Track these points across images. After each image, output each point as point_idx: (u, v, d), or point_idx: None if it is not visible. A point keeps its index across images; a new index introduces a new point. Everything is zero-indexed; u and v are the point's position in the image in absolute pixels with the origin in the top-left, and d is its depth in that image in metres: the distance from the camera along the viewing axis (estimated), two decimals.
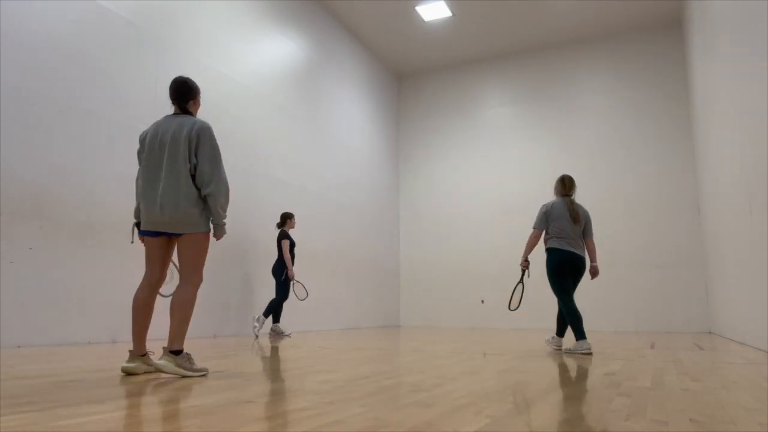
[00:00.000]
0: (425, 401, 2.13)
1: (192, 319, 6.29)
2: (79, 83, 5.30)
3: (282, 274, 6.98)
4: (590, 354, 4.42)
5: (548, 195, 10.49)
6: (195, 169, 3.04)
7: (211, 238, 3.21)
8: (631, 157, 10.08)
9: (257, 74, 7.84)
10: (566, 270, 4.70)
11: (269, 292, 7.67)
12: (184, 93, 3.30)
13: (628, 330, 9.47)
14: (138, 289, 3.07)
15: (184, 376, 2.84)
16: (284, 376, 2.93)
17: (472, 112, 11.65)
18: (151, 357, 3.05)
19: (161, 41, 6.27)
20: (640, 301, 9.56)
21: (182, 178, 3.00)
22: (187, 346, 4.95)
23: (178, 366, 2.84)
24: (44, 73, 4.99)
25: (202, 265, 3.09)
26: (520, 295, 5.17)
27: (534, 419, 1.80)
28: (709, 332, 8.77)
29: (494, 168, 11.23)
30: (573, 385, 2.63)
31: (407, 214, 11.96)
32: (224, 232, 3.15)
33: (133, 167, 5.76)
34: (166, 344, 3.01)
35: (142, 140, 3.16)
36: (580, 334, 4.53)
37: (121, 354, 4.12)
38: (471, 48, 11.20)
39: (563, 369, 3.37)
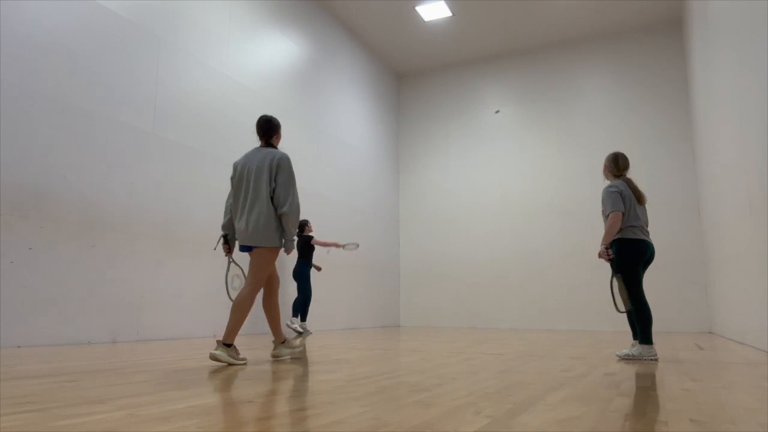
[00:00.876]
0: (425, 401, 2.13)
1: (192, 319, 6.29)
2: (79, 83, 5.30)
3: (305, 275, 7.55)
4: (656, 360, 3.93)
5: (548, 194, 10.50)
6: (273, 192, 3.62)
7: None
8: (631, 157, 10.07)
9: (257, 74, 7.84)
10: (643, 259, 4.08)
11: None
12: (269, 130, 3.84)
13: (628, 330, 9.46)
14: (242, 292, 3.62)
15: (231, 364, 3.41)
16: (284, 376, 2.93)
17: (472, 112, 11.65)
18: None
19: (161, 41, 6.27)
20: None
21: (263, 200, 3.60)
22: (187, 346, 4.95)
23: (229, 356, 3.42)
24: (44, 73, 4.99)
25: (265, 274, 3.63)
26: (621, 290, 4.11)
27: (534, 419, 1.80)
28: (709, 332, 8.76)
29: (494, 168, 11.23)
30: (573, 385, 2.63)
31: (407, 214, 11.96)
32: (293, 248, 3.73)
33: (133, 167, 5.77)
34: (221, 338, 3.55)
35: (235, 167, 3.78)
36: (650, 338, 3.97)
37: (121, 354, 4.12)
38: (471, 48, 11.20)
39: (563, 369, 3.37)
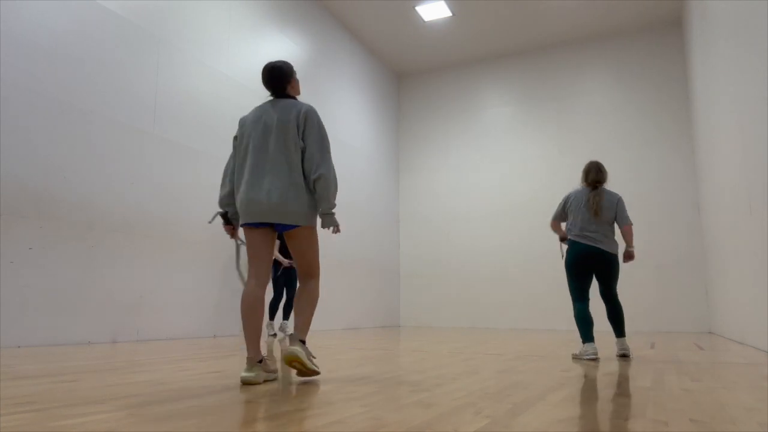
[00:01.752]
0: (425, 401, 2.12)
1: (192, 319, 6.30)
2: (79, 83, 5.30)
3: (292, 272, 6.88)
4: (597, 360, 4.09)
5: (548, 195, 10.50)
6: (303, 153, 2.83)
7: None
8: (631, 157, 10.08)
9: (257, 74, 7.84)
10: (583, 266, 4.31)
11: (268, 292, 7.68)
12: (280, 78, 2.99)
13: (628, 330, 9.47)
14: (246, 289, 2.77)
15: (307, 367, 2.72)
16: (284, 376, 2.93)
17: (472, 112, 11.65)
18: (267, 362, 2.81)
19: (161, 41, 6.27)
20: (640, 301, 9.55)
21: (293, 164, 2.79)
22: (187, 346, 4.95)
23: (307, 354, 2.77)
24: (44, 73, 4.99)
25: (318, 256, 2.95)
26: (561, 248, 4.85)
27: (534, 419, 1.80)
28: (709, 332, 8.76)
29: (494, 168, 11.23)
30: (573, 385, 2.63)
31: (407, 214, 11.95)
32: (335, 223, 2.85)
33: (133, 167, 5.76)
34: (293, 333, 2.84)
35: (242, 124, 2.95)
36: (589, 337, 4.18)
37: (121, 354, 4.12)
38: (471, 48, 11.20)
39: (563, 369, 3.37)
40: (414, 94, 12.38)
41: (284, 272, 6.86)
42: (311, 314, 2.87)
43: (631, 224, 4.41)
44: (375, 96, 11.43)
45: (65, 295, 4.96)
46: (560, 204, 4.56)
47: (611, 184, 10.05)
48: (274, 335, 6.67)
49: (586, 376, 3.00)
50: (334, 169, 2.86)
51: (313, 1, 9.39)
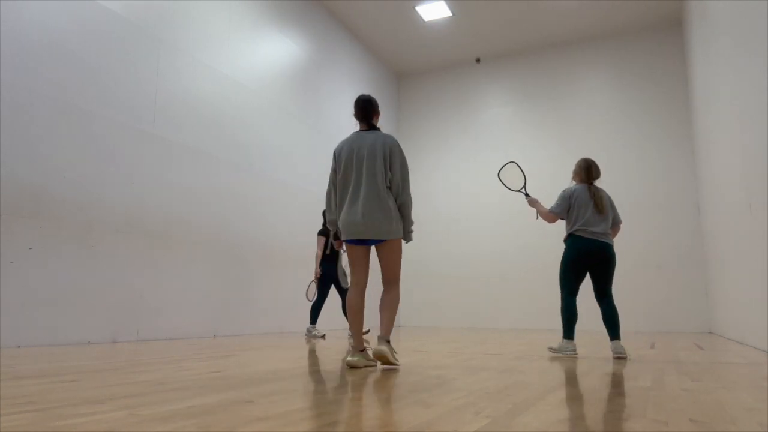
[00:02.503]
0: (425, 401, 2.12)
1: (192, 319, 6.30)
2: (79, 83, 5.30)
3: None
4: (576, 356, 4.19)
5: (548, 195, 10.49)
6: (391, 181, 3.42)
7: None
8: (631, 157, 10.08)
9: (257, 74, 7.84)
10: (585, 262, 4.30)
11: (268, 292, 7.68)
12: (370, 110, 3.58)
13: (628, 330, 9.47)
14: (350, 294, 3.52)
15: (393, 364, 3.35)
16: (284, 376, 2.93)
17: (472, 112, 11.65)
18: (368, 350, 3.52)
19: (161, 41, 6.27)
20: (640, 301, 9.55)
21: (382, 189, 3.37)
22: (187, 346, 4.95)
23: (392, 352, 3.34)
24: (44, 73, 4.99)
25: (401, 264, 3.46)
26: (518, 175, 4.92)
27: (534, 419, 1.80)
28: (709, 332, 8.76)
29: (494, 168, 11.21)
30: (573, 385, 2.63)
31: None
32: (411, 238, 3.58)
33: (133, 167, 5.76)
34: (380, 334, 3.43)
35: (338, 155, 3.53)
36: (570, 334, 4.28)
37: (121, 354, 4.12)
38: (471, 48, 11.20)
39: (563, 369, 3.37)
40: (414, 94, 12.38)
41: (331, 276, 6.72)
42: (395, 316, 3.46)
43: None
44: (375, 96, 11.42)
45: (65, 295, 4.96)
46: (564, 198, 4.46)
47: (612, 185, 10.07)
48: (323, 336, 6.69)
49: (586, 376, 3.00)
50: (411, 195, 3.52)
51: (313, 1, 9.39)
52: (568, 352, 4.24)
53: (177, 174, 6.32)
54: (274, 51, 8.26)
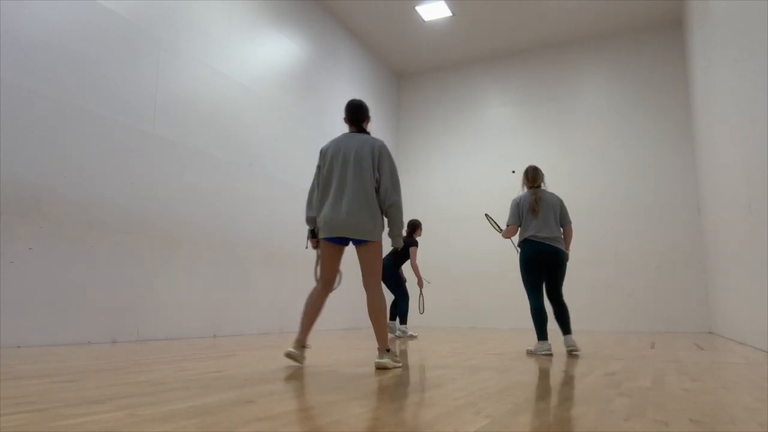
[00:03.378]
0: (425, 401, 2.12)
1: (192, 319, 6.30)
2: (79, 83, 5.30)
3: (398, 279, 7.09)
4: (551, 355, 4.34)
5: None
6: (378, 183, 3.43)
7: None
8: (631, 157, 10.08)
9: (257, 74, 7.84)
10: (538, 264, 4.58)
11: (268, 292, 7.68)
12: (360, 114, 3.67)
13: (628, 330, 9.47)
14: (313, 290, 3.51)
15: (395, 368, 3.33)
16: (284, 376, 2.93)
17: (472, 112, 11.65)
18: (307, 351, 3.53)
19: (161, 41, 6.27)
20: (640, 301, 9.55)
21: (369, 190, 3.38)
22: (187, 346, 4.95)
23: (393, 360, 3.34)
24: (44, 73, 4.99)
25: (380, 269, 3.47)
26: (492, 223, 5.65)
27: (534, 419, 1.80)
28: (709, 332, 8.76)
29: (494, 168, 11.23)
30: (573, 385, 2.63)
31: (407, 214, 11.95)
32: (401, 243, 3.51)
33: (133, 167, 5.76)
34: (378, 346, 3.39)
35: (324, 153, 3.56)
36: (543, 335, 4.50)
37: (121, 354, 4.12)
38: (471, 48, 11.20)
39: (563, 369, 3.37)
40: (414, 94, 12.38)
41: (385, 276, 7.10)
42: (386, 322, 3.40)
43: (571, 223, 4.80)
44: (375, 96, 11.43)
45: (65, 295, 4.96)
46: (513, 208, 4.76)
47: (612, 185, 10.07)
48: (412, 335, 6.91)
49: (586, 376, 3.00)
50: (401, 198, 3.48)
51: (313, 1, 9.39)
52: (543, 352, 4.40)
53: (177, 174, 6.32)
54: (274, 51, 8.26)
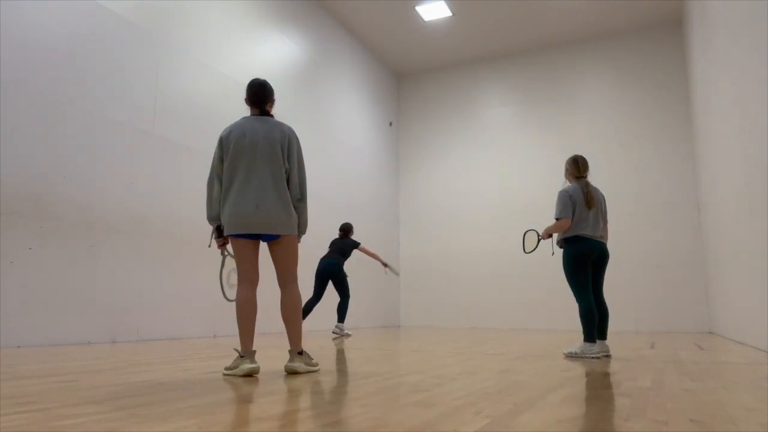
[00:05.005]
0: (425, 401, 2.12)
1: (192, 319, 6.29)
2: (79, 83, 5.30)
3: (345, 278, 7.37)
4: (609, 357, 4.08)
5: (548, 195, 10.50)
6: (288, 174, 3.10)
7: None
8: (631, 157, 10.08)
9: (257, 74, 7.84)
10: (590, 262, 4.26)
11: (268, 292, 7.68)
12: (265, 95, 3.25)
13: (628, 330, 9.47)
14: (240, 292, 3.02)
15: (309, 372, 3.06)
16: (284, 376, 2.93)
17: (472, 112, 11.65)
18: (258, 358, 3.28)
19: (161, 41, 6.27)
20: (640, 301, 9.55)
21: (279, 180, 3.03)
22: (187, 346, 4.95)
23: (306, 364, 3.07)
24: (44, 73, 4.99)
25: (297, 265, 3.19)
26: (535, 244, 4.67)
27: (534, 419, 1.80)
28: (709, 332, 8.76)
29: (494, 168, 11.22)
30: (573, 385, 2.63)
31: (407, 214, 11.95)
32: (305, 232, 3.21)
33: (133, 167, 5.76)
34: (290, 347, 3.09)
35: (226, 140, 3.08)
36: (597, 335, 4.17)
37: (121, 354, 4.12)
38: (471, 48, 11.20)
39: (563, 369, 3.37)
40: (414, 94, 12.38)
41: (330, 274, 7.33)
42: (300, 323, 3.11)
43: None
44: (375, 96, 11.42)
45: (65, 295, 4.96)
46: (568, 199, 4.32)
47: (612, 184, 10.06)
48: (348, 334, 7.08)
49: (586, 376, 3.00)
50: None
51: (313, 1, 9.39)
52: (594, 354, 4.08)
53: (177, 174, 6.32)
54: (274, 51, 8.25)
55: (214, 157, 3.12)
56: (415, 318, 11.50)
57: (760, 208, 4.59)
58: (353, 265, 9.91)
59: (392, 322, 11.34)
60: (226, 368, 2.97)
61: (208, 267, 6.63)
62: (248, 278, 3.06)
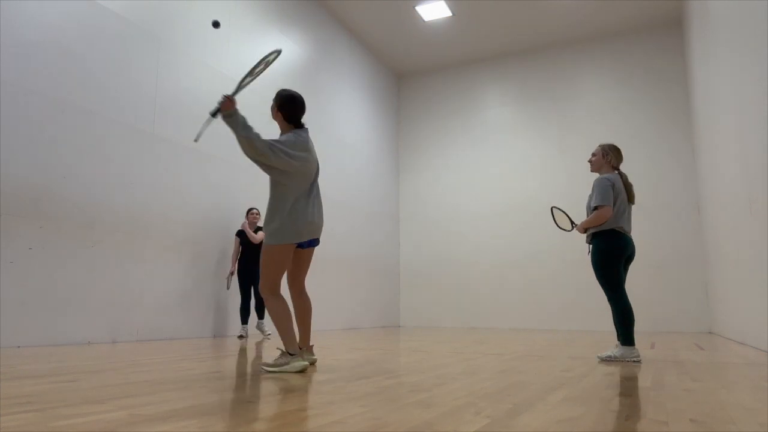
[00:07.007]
0: (425, 401, 2.12)
1: (192, 319, 6.29)
2: (79, 83, 5.30)
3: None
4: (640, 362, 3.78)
5: (548, 194, 10.50)
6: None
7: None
8: (631, 157, 10.07)
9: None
10: (623, 258, 3.94)
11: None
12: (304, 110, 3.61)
13: None
14: (284, 298, 3.27)
15: (281, 371, 3.06)
16: (284, 376, 2.93)
17: (472, 112, 11.65)
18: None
19: (161, 41, 6.27)
20: (640, 301, 9.55)
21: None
22: (187, 346, 4.95)
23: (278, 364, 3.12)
24: (44, 73, 4.99)
25: None
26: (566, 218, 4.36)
27: (534, 419, 1.80)
28: (709, 332, 8.76)
29: (494, 168, 11.22)
30: (573, 385, 2.63)
31: (407, 214, 11.95)
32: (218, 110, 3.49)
33: (133, 167, 5.76)
34: (305, 344, 3.43)
35: (307, 148, 3.41)
36: (633, 339, 3.86)
37: (121, 354, 4.12)
38: (471, 48, 11.20)
39: (563, 369, 3.37)
40: (414, 94, 12.38)
41: (249, 274, 6.63)
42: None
43: None
44: (375, 96, 11.43)
45: (65, 295, 4.96)
46: (610, 188, 3.92)
47: None
48: (242, 337, 6.47)
49: (586, 376, 3.00)
50: (267, 151, 3.25)
51: (313, 1, 9.39)
52: (634, 359, 3.78)
53: (177, 174, 6.32)
54: None
55: (285, 144, 3.30)
56: (415, 318, 11.50)
57: (760, 208, 4.59)
58: (353, 265, 9.91)
59: (392, 322, 11.34)
60: (272, 366, 3.08)
61: (208, 267, 6.63)
62: (278, 287, 3.26)
